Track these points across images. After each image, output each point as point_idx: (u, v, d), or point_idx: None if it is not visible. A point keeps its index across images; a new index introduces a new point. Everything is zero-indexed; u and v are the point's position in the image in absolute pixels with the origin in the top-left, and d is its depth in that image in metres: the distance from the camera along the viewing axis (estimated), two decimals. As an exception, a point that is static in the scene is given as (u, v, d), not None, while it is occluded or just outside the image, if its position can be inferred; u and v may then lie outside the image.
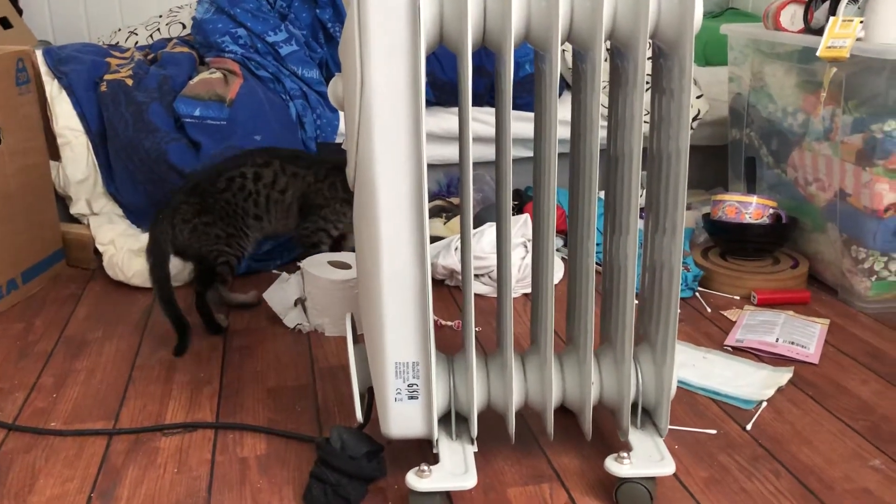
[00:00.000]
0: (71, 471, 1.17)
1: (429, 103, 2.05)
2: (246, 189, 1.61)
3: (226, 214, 1.59)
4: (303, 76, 2.08)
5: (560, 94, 1.17)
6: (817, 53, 1.66)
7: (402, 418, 1.06)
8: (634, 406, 1.12)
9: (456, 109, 1.93)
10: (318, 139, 2.03)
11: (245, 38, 2.11)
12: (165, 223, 1.56)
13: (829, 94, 1.73)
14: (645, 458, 1.07)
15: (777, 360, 1.47)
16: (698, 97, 2.22)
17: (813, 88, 1.79)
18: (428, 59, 2.12)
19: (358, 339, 1.12)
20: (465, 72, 0.95)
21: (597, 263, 1.39)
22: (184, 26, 2.47)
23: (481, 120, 2.10)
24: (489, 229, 1.79)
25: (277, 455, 1.19)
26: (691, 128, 2.19)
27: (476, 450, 1.09)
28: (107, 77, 2.00)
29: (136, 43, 2.45)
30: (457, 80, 0.97)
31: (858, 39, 1.63)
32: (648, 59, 0.97)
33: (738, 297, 1.76)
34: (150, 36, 2.47)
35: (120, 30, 2.58)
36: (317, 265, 1.59)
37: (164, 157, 1.85)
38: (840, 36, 1.65)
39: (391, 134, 0.95)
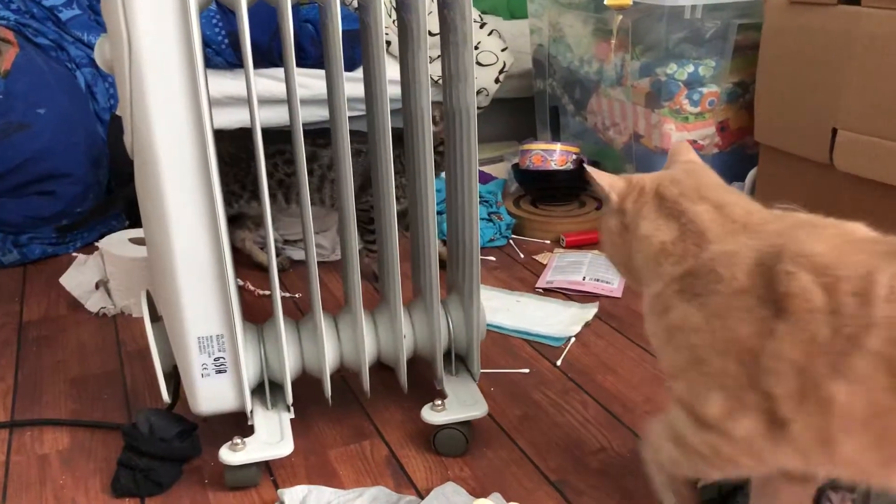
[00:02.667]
0: None
1: (231, 65, 1.96)
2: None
3: (240, 169, 1.56)
4: (89, 42, 1.93)
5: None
6: (605, 2, 1.74)
7: (212, 394, 1.03)
8: (448, 354, 1.14)
9: (264, 71, 1.86)
10: (112, 109, 1.89)
11: (17, 2, 1.92)
12: None
13: (618, 41, 1.82)
14: (458, 403, 1.10)
15: (584, 297, 1.56)
16: (503, 50, 2.26)
17: (605, 36, 1.87)
18: (229, 18, 2.04)
19: (158, 316, 1.07)
20: (244, 29, 0.91)
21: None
22: (-54, -9, 2.21)
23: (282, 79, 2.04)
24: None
25: (82, 448, 1.12)
26: (498, 80, 2.24)
27: (293, 416, 1.08)
28: None
29: None
30: (246, 39, 0.93)
31: (640, -12, 1.72)
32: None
33: (548, 242, 1.83)
34: None
35: None
36: (116, 243, 1.50)
37: (-68, 138, 1.67)
38: (624, -15, 1.73)
39: (167, 98, 0.90)
